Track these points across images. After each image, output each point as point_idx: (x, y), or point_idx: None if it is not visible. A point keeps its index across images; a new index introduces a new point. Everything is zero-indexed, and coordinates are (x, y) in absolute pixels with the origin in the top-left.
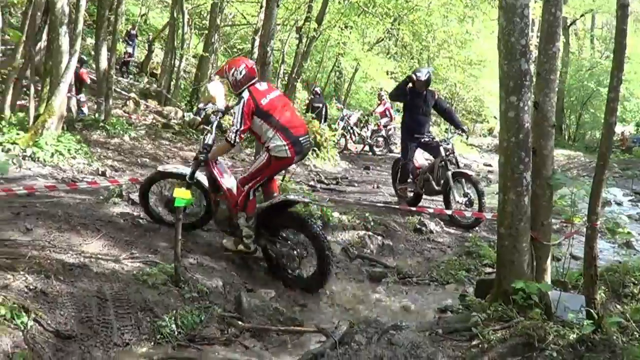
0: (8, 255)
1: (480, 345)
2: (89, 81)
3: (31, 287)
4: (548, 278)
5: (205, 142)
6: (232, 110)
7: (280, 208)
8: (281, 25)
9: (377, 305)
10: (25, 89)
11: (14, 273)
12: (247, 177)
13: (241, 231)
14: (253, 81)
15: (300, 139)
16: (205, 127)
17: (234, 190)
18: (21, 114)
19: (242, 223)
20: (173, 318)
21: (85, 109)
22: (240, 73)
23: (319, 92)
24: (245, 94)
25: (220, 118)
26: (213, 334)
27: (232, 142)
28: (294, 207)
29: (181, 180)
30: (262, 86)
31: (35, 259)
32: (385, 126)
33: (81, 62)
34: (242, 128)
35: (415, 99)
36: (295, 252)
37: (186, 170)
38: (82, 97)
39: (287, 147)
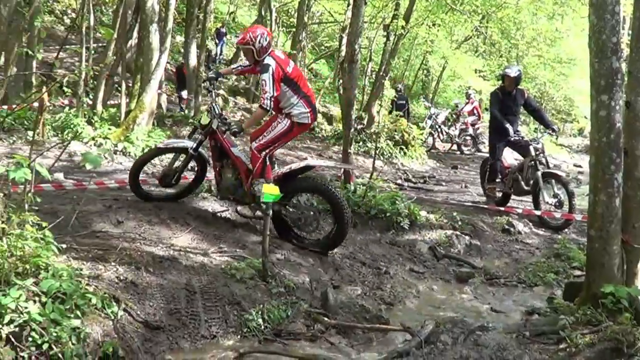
0: (100, 247)
1: (567, 349)
2: None
3: (122, 277)
4: (639, 282)
5: (218, 112)
6: (261, 79)
7: (295, 173)
8: (368, 23)
9: (464, 306)
10: (116, 86)
11: (105, 264)
12: (264, 144)
13: (258, 197)
14: (272, 48)
15: (316, 107)
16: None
17: (243, 159)
18: (113, 110)
19: (260, 189)
20: (260, 312)
21: (183, 105)
22: (265, 39)
23: (402, 89)
24: (271, 62)
25: (215, 85)
26: (299, 329)
27: (267, 108)
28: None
29: (184, 153)
30: (280, 54)
31: (126, 251)
32: (472, 125)
33: None
34: (275, 94)
35: (506, 99)
36: (312, 213)
37: (187, 143)
38: (185, 94)
39: (309, 114)
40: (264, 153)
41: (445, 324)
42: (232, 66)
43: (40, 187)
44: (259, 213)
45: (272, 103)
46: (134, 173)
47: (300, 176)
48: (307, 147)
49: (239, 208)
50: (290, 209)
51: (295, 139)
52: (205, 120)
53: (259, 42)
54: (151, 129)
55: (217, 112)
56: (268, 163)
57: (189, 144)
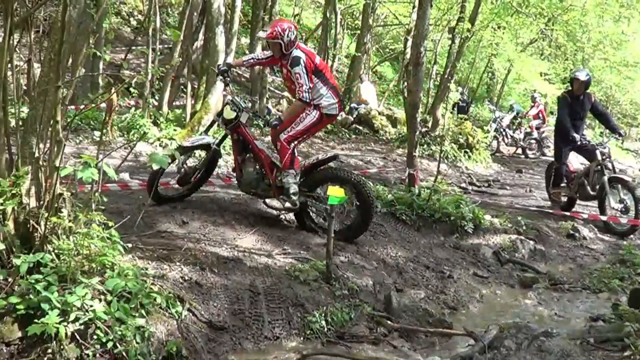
0: (165, 247)
1: (632, 357)
2: None
3: (186, 277)
4: None
5: (245, 105)
6: (294, 73)
7: (321, 164)
8: (433, 26)
9: (528, 311)
10: (182, 87)
11: (170, 264)
12: (292, 136)
13: (287, 189)
14: (297, 41)
15: (342, 98)
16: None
17: (267, 152)
18: (178, 111)
19: (290, 181)
20: (323, 314)
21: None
22: (293, 33)
23: (465, 93)
24: (301, 54)
25: (228, 78)
26: (362, 332)
27: (307, 100)
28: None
29: (206, 150)
30: (305, 46)
31: (191, 251)
32: (537, 128)
33: None
34: (312, 85)
35: (574, 103)
36: None
37: (209, 139)
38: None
39: (336, 105)
40: (292, 144)
41: (509, 329)
42: (244, 58)
43: (106, 187)
44: (288, 204)
45: (310, 95)
46: (156, 173)
47: (324, 167)
48: (371, 149)
49: (267, 201)
50: (315, 200)
51: (359, 141)
52: (229, 114)
53: (287, 35)
54: (216, 131)
55: (243, 105)
56: (296, 154)
57: (211, 139)
